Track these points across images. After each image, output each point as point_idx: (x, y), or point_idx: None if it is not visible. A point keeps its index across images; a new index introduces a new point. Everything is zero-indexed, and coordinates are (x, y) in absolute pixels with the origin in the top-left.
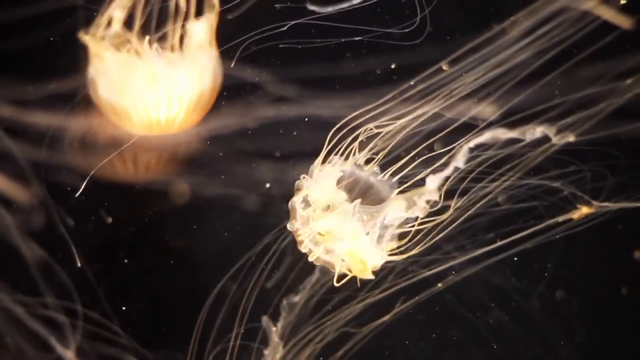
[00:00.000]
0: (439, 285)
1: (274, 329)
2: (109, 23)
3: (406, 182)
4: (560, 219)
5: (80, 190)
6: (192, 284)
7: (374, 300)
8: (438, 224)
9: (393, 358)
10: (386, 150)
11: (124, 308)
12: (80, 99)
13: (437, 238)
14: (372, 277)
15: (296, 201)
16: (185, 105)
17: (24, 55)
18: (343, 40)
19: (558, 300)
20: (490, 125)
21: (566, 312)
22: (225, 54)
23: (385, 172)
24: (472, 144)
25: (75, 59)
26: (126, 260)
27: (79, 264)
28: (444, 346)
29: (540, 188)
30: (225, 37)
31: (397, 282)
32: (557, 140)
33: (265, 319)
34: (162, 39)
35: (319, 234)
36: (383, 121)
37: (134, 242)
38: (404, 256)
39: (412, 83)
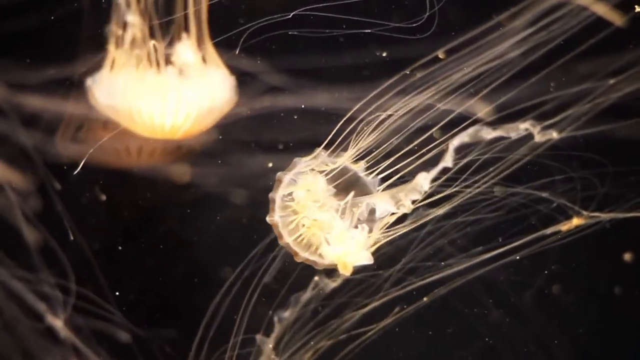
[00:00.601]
0: (425, 299)
1: (270, 346)
2: (125, 28)
3: (395, 177)
4: (549, 231)
5: (78, 169)
6: (188, 269)
7: (370, 307)
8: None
9: (390, 354)
10: (381, 147)
11: (117, 293)
12: (77, 86)
13: (423, 243)
14: (349, 273)
15: (277, 195)
16: (192, 119)
17: (25, 38)
18: (350, 31)
19: (552, 299)
20: (482, 120)
21: (560, 310)
22: (226, 43)
23: (374, 167)
24: (457, 142)
25: (78, 43)
26: (120, 248)
27: (72, 237)
28: (439, 341)
29: (531, 197)
30: (225, 26)
31: (391, 291)
32: (539, 138)
33: (259, 337)
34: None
35: (304, 225)
36: (377, 114)
37: (130, 227)
38: (401, 262)
39: (407, 72)
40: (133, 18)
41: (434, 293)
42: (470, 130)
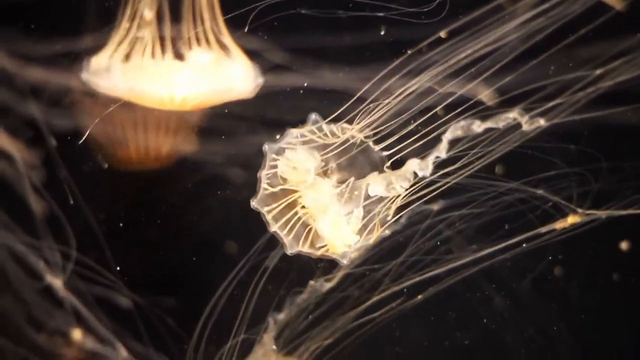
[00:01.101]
0: (419, 297)
1: (273, 347)
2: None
3: (394, 157)
4: (544, 229)
5: (82, 139)
6: (189, 245)
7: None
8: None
9: (392, 338)
10: (386, 125)
11: (118, 268)
12: (82, 60)
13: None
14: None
15: (263, 174)
16: (202, 103)
17: (32, 9)
18: (363, 14)
19: (552, 286)
20: (484, 103)
21: (559, 297)
22: (233, 22)
23: (380, 144)
24: (450, 135)
25: (85, 17)
26: (122, 224)
27: (71, 202)
28: (441, 325)
29: (526, 193)
30: (232, 5)
31: (392, 285)
32: (527, 127)
33: (263, 336)
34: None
35: (302, 206)
36: (383, 94)
37: (131, 201)
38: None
39: (409, 52)
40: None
41: (429, 291)
42: (463, 123)
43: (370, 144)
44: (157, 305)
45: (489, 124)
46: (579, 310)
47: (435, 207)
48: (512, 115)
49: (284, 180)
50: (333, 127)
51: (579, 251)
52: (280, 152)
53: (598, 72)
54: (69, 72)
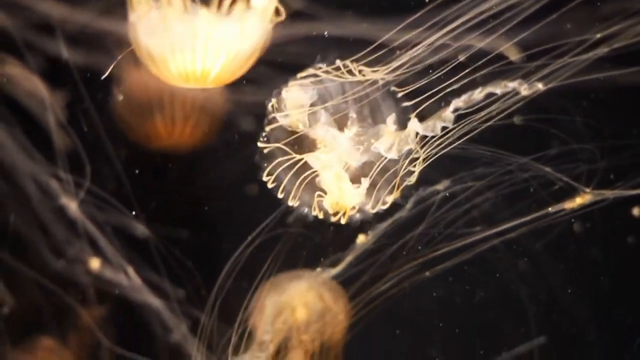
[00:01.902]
0: (427, 273)
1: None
2: None
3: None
4: (552, 209)
5: (105, 75)
6: (205, 203)
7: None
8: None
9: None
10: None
11: (134, 212)
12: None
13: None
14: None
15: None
16: (223, 62)
17: None
18: None
19: (566, 251)
20: (508, 58)
21: (574, 261)
22: None
23: (400, 87)
24: (452, 107)
25: None
26: (137, 171)
27: (85, 129)
28: (458, 286)
29: (532, 171)
30: None
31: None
32: (525, 92)
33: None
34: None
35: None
36: (403, 43)
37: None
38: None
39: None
40: None
41: (435, 269)
42: (464, 96)
43: (394, 88)
44: (174, 242)
45: (489, 89)
46: (592, 277)
47: (441, 186)
48: (512, 85)
49: (286, 131)
50: (350, 64)
51: (593, 217)
52: (279, 98)
53: (598, 35)
54: (98, 14)
